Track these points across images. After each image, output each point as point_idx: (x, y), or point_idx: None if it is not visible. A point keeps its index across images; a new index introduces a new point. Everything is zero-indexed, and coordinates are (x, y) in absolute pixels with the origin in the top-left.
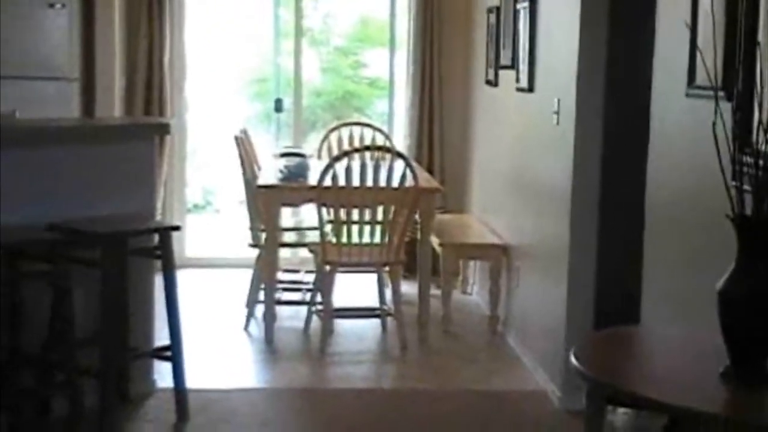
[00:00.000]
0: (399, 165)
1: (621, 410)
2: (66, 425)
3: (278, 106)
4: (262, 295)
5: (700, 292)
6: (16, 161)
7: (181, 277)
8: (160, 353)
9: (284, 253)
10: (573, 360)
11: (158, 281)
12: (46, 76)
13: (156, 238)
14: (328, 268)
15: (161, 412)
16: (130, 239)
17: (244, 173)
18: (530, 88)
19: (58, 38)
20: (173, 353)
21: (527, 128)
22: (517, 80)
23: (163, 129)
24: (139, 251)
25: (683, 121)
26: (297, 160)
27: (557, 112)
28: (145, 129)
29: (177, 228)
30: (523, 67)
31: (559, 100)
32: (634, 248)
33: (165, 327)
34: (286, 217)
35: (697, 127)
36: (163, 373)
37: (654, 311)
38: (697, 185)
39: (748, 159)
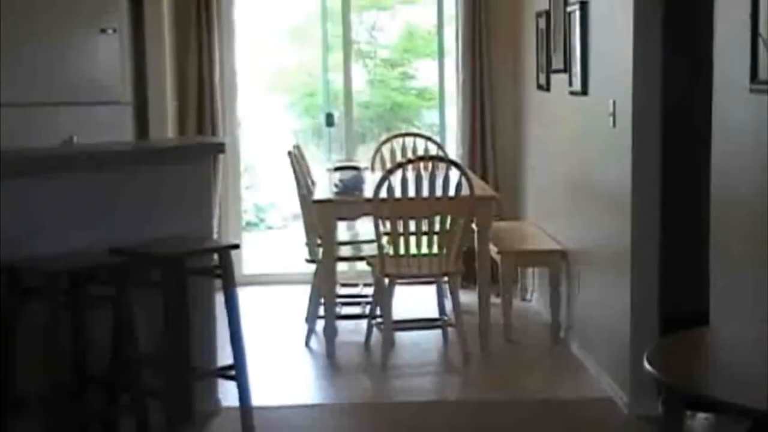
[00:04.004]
0: (454, 174)
1: (700, 415)
2: None
3: (329, 121)
4: (321, 310)
5: None
6: (77, 187)
7: (240, 294)
8: (223, 372)
9: (341, 266)
10: (647, 365)
11: (219, 300)
12: (100, 100)
13: (215, 257)
14: (386, 280)
15: (227, 431)
16: (189, 259)
17: (299, 188)
18: (584, 91)
19: (111, 63)
20: (237, 372)
21: (582, 132)
22: (570, 83)
23: (218, 148)
24: (199, 271)
25: (747, 118)
26: (351, 173)
27: (613, 114)
28: (200, 148)
29: (236, 246)
30: (576, 70)
31: (614, 102)
32: (699, 250)
33: (227, 346)
34: (342, 230)
35: (762, 124)
36: (227, 392)
37: (723, 313)
38: (764, 183)
39: None
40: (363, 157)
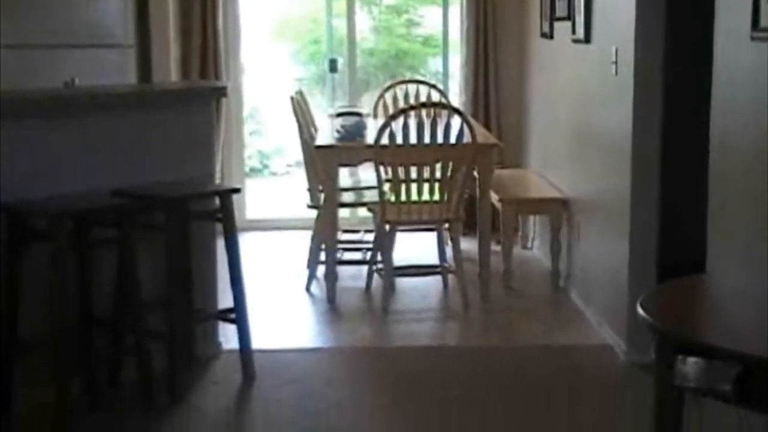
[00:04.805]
0: (456, 121)
1: (691, 360)
2: (135, 387)
3: (333, 67)
4: (322, 256)
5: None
6: (79, 129)
7: (242, 239)
8: (224, 315)
9: (343, 213)
10: (640, 311)
11: (221, 244)
12: (103, 43)
13: (217, 201)
14: (387, 227)
15: (227, 373)
16: (191, 203)
17: (301, 134)
18: (587, 39)
19: (113, 6)
20: (237, 315)
21: (585, 80)
22: (573, 31)
23: (220, 92)
24: (201, 215)
25: (748, 66)
26: (354, 119)
27: (615, 62)
28: (201, 92)
29: (237, 190)
30: (579, 17)
31: (617, 50)
32: (697, 198)
33: (229, 289)
34: (344, 177)
35: (762, 72)
36: (228, 336)
37: (719, 260)
38: (764, 132)
39: None
40: (368, 104)
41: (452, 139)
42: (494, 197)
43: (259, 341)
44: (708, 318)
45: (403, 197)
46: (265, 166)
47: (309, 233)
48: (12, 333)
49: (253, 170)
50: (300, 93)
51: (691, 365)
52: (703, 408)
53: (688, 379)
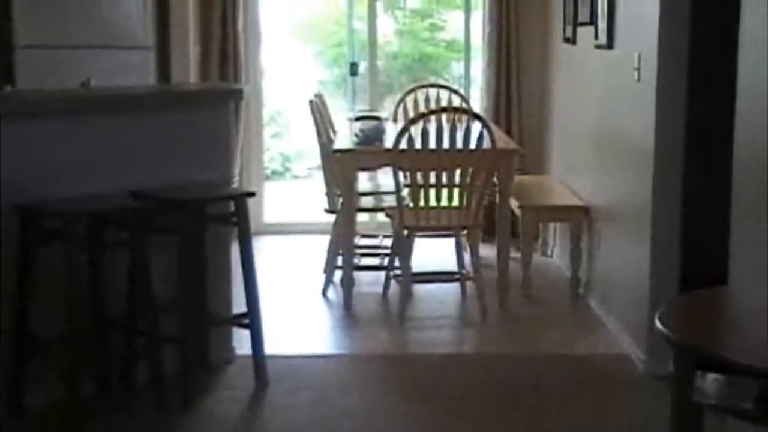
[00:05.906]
0: (476, 127)
1: (711, 376)
2: (147, 391)
3: (353, 70)
4: (340, 261)
5: None
6: (97, 130)
7: (260, 243)
8: (238, 320)
9: (361, 217)
10: (658, 324)
11: (236, 248)
12: (122, 45)
13: (232, 204)
14: (405, 232)
15: (241, 379)
16: (207, 206)
17: (320, 138)
18: (609, 45)
19: (133, 7)
20: (251, 320)
21: (607, 86)
22: (596, 37)
23: (237, 94)
24: (217, 218)
25: None
26: (372, 123)
27: (638, 69)
28: (219, 94)
29: (252, 194)
30: (602, 23)
31: (639, 56)
32: (721, 207)
33: (244, 294)
34: (363, 181)
35: None
36: (242, 341)
37: (743, 272)
38: None
39: None
40: (390, 107)
41: (472, 145)
42: (514, 204)
43: (273, 346)
44: (729, 332)
45: (422, 203)
46: (287, 169)
47: (327, 238)
48: (24, 332)
49: (275, 173)
50: (319, 96)
51: (710, 381)
52: (724, 424)
53: (707, 395)
